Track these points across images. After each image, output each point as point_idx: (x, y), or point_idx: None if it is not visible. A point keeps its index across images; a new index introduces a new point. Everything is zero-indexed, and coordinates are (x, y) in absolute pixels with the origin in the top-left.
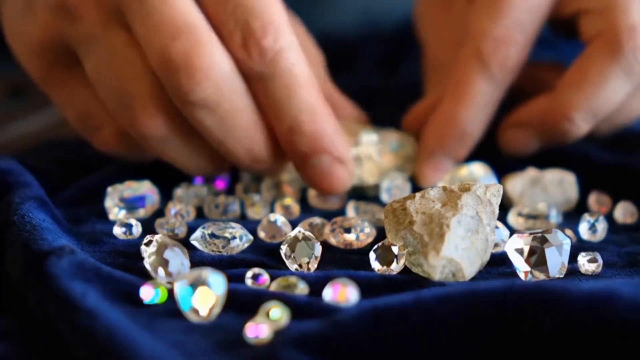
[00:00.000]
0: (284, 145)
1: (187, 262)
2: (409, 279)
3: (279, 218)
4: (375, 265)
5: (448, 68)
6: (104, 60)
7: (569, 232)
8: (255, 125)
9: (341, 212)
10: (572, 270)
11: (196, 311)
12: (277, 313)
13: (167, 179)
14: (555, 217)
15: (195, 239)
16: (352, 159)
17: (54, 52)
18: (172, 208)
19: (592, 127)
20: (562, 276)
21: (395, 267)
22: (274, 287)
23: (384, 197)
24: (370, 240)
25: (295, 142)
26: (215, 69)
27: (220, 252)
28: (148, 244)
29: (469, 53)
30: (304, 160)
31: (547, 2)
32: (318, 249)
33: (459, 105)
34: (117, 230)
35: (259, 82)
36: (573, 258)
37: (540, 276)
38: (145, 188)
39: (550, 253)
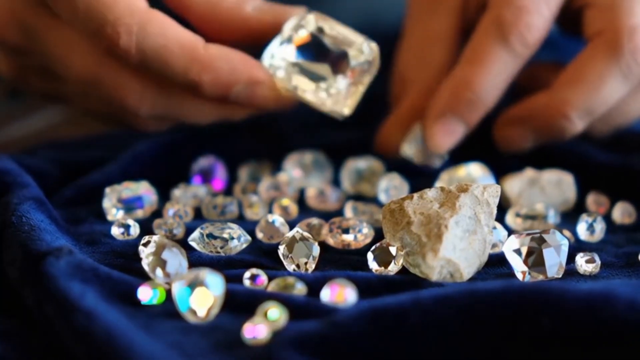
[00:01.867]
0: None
1: (185, 263)
2: (407, 280)
3: (277, 219)
4: (373, 265)
5: (411, 85)
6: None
7: (567, 232)
8: (199, 103)
9: (339, 212)
10: (570, 270)
11: (194, 312)
12: (275, 313)
13: (165, 180)
14: (553, 218)
15: (193, 240)
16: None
17: None
18: (170, 209)
19: (587, 125)
20: (560, 277)
21: (393, 268)
22: (272, 287)
23: (382, 197)
24: (368, 240)
25: (208, 94)
26: (145, 101)
27: (218, 252)
28: (146, 244)
29: (488, 20)
30: (227, 100)
31: None
32: (316, 250)
33: (474, 70)
34: (115, 231)
35: (146, 68)
36: (571, 258)
37: (538, 277)
38: (143, 189)
39: (548, 254)
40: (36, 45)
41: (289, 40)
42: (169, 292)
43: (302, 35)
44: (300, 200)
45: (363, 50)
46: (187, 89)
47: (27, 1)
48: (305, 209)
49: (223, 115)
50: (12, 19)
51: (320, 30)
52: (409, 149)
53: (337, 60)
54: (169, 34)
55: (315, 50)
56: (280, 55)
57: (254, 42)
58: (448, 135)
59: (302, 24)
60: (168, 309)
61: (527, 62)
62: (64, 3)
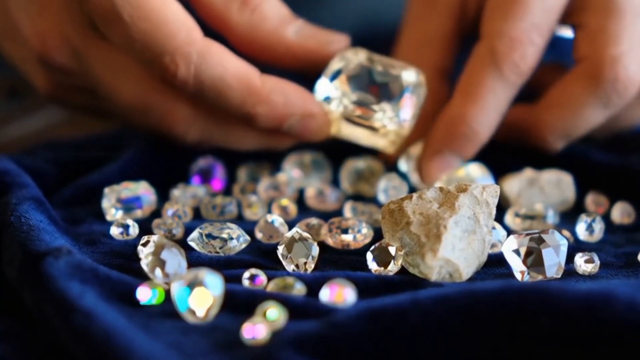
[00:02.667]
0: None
1: (184, 263)
2: (406, 280)
3: (276, 219)
4: (373, 266)
5: None
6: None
7: (566, 232)
8: (247, 132)
9: (339, 212)
10: (569, 270)
11: (193, 312)
12: (274, 313)
13: (165, 180)
14: (552, 218)
15: (193, 240)
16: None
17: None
18: (169, 209)
19: (566, 144)
20: (559, 277)
21: (393, 268)
22: (271, 287)
23: (381, 197)
24: (367, 241)
25: (261, 125)
26: (194, 128)
27: (217, 252)
28: (145, 244)
29: (482, 52)
30: (279, 130)
31: (561, 4)
32: (315, 250)
33: (469, 104)
34: (114, 231)
35: (202, 97)
36: (570, 258)
37: (538, 277)
38: (142, 189)
39: (547, 254)
40: (83, 68)
41: (340, 72)
42: (168, 292)
43: (353, 66)
44: (300, 200)
45: (411, 75)
46: (239, 120)
47: (76, 23)
48: (304, 209)
49: (268, 144)
50: (60, 41)
51: (369, 60)
52: (405, 166)
53: (389, 87)
54: (227, 65)
55: (367, 79)
56: (333, 87)
57: (298, 67)
58: (445, 169)
59: (351, 56)
60: (167, 309)
61: (520, 88)
62: (118, 30)
